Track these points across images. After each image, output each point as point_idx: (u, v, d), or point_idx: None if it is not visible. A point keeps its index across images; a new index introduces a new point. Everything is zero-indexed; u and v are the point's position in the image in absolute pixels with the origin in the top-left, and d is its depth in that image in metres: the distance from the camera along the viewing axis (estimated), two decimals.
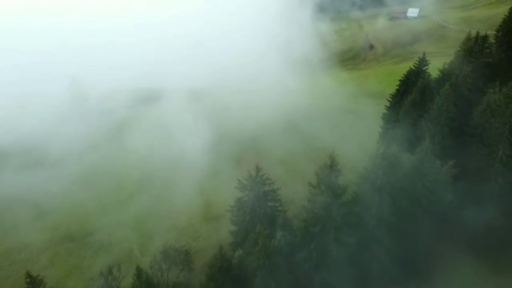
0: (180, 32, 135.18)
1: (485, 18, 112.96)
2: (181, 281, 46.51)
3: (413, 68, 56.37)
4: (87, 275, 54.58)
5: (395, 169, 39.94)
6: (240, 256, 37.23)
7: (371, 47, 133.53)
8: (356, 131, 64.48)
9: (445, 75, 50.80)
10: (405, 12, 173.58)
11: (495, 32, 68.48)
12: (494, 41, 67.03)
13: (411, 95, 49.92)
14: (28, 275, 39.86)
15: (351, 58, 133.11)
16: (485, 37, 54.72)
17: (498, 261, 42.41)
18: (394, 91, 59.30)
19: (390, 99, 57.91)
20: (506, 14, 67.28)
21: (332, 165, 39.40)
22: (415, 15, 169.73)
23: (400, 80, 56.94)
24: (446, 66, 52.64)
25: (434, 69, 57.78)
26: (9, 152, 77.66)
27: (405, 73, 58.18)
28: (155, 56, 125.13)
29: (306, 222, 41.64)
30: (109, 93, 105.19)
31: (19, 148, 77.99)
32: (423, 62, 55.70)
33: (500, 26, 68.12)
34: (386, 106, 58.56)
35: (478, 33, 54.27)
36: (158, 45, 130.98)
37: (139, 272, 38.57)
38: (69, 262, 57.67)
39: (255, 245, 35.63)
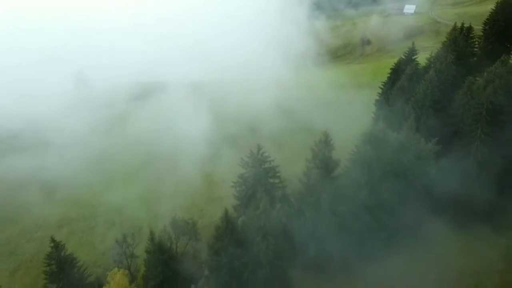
0: (182, 31, 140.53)
1: (479, 14, 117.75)
2: (188, 251, 51.19)
3: (403, 57, 61.15)
4: (100, 249, 59.52)
5: (383, 145, 44.76)
6: (243, 221, 41.93)
7: (368, 42, 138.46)
8: (350, 118, 69.18)
9: (432, 63, 55.55)
10: (402, 9, 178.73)
11: (482, 26, 73.76)
12: (482, 33, 72.41)
13: (400, 81, 54.69)
14: (52, 240, 44.67)
15: (348, 53, 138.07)
16: (470, 28, 59.62)
17: (473, 227, 47.41)
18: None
19: (382, 87, 62.69)
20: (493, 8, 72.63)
21: (326, 141, 44.20)
22: (412, 11, 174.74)
23: (391, 69, 61.71)
24: (433, 55, 57.35)
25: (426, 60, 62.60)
26: (20, 136, 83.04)
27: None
28: (158, 54, 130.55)
29: (302, 194, 46.49)
30: (114, 87, 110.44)
31: (30, 132, 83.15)
32: (412, 52, 60.55)
33: (487, 19, 73.31)
34: (378, 93, 63.34)
35: (463, 24, 59.14)
36: (161, 43, 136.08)
37: (152, 236, 43.29)
38: (83, 239, 62.49)
39: (257, 209, 40.30)
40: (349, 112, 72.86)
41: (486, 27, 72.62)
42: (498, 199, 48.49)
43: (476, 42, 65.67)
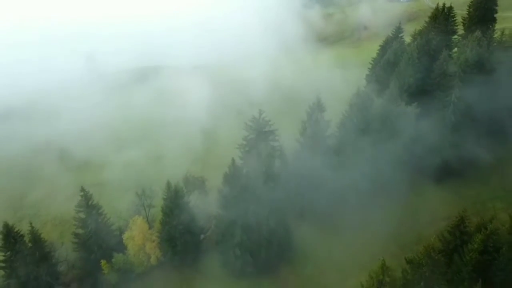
0: (185, 21, 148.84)
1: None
2: (198, 204, 59.13)
3: (391, 35, 68.79)
4: (118, 208, 67.51)
5: (367, 107, 52.63)
6: (247, 171, 49.92)
7: (365, 28, 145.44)
8: (340, 92, 76.30)
9: (415, 39, 63.21)
10: None
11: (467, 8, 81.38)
12: (467, 15, 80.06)
13: (386, 55, 62.42)
14: (82, 189, 52.73)
15: (344, 38, 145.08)
16: (450, 8, 67.11)
17: (447, 182, 55.60)
18: None
19: (372, 62, 70.40)
20: None
21: (318, 104, 52.04)
22: None
23: (380, 46, 69.40)
24: (417, 32, 64.99)
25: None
26: (34, 107, 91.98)
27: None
28: (162, 39, 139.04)
29: (298, 151, 54.50)
30: (122, 70, 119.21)
31: (43, 104, 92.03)
32: (398, 30, 68.21)
33: (471, 2, 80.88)
34: (368, 68, 71.08)
35: (444, 4, 66.71)
36: (164, 29, 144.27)
37: (168, 185, 51.29)
38: (101, 202, 70.68)
39: (260, 156, 48.28)
40: (342, 87, 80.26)
41: (470, 10, 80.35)
42: (469, 158, 56.44)
43: (461, 22, 73.47)
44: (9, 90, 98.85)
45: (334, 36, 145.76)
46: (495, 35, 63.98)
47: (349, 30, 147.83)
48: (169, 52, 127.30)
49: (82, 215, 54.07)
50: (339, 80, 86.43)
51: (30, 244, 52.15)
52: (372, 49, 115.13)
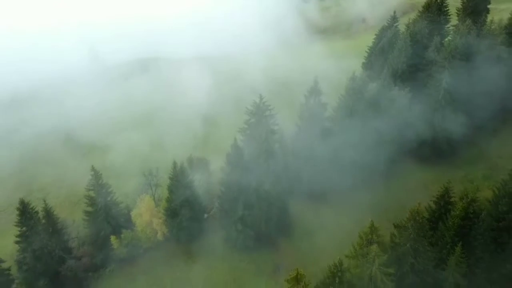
0: (185, 14, 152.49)
1: None
2: (202, 184, 62.65)
3: (386, 24, 71.98)
4: (124, 190, 70.95)
5: (362, 91, 56.01)
6: (249, 153, 53.35)
7: (363, 20, 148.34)
8: (337, 80, 79.29)
9: (408, 27, 66.41)
10: None
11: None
12: (461, 6, 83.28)
13: (381, 43, 65.66)
14: (92, 168, 56.15)
15: (343, 31, 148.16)
16: None
17: (438, 164, 59.14)
18: None
19: (368, 51, 73.65)
20: None
21: (315, 87, 55.38)
22: None
23: (375, 35, 72.62)
24: (410, 21, 68.17)
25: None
26: (40, 95, 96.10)
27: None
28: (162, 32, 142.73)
29: (297, 132, 57.95)
30: (124, 62, 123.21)
31: (48, 92, 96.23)
32: (393, 19, 71.34)
33: None
34: (364, 56, 74.34)
35: None
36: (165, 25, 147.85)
37: (174, 165, 54.74)
38: (109, 180, 74.27)
39: (260, 138, 51.71)
40: (339, 76, 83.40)
41: (464, 0, 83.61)
42: (460, 140, 59.96)
43: (454, 13, 76.85)
44: (15, 78, 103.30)
45: (333, 29, 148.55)
46: (486, 25, 67.30)
47: (347, 23, 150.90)
48: (170, 44, 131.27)
49: (92, 194, 57.55)
50: (335, 70, 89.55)
51: (43, 221, 55.70)
52: (370, 41, 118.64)
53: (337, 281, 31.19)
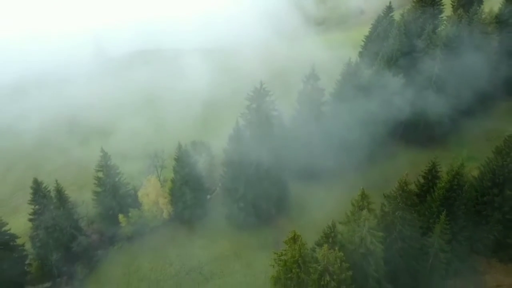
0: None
1: None
2: (206, 167, 66.03)
3: (382, 14, 75.11)
4: (130, 173, 74.18)
5: (357, 76, 59.28)
6: (250, 135, 56.72)
7: (362, 12, 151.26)
8: (335, 69, 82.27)
9: (403, 17, 69.53)
10: None
11: None
12: None
13: (376, 32, 68.87)
14: (102, 150, 59.43)
15: (342, 22, 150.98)
16: None
17: (429, 146, 62.59)
18: None
19: (364, 40, 76.84)
20: None
21: (313, 73, 58.64)
22: None
23: (371, 24, 75.78)
24: (405, 11, 71.31)
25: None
26: (46, 79, 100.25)
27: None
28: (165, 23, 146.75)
29: (295, 117, 61.30)
30: (124, 50, 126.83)
31: (54, 76, 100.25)
32: (389, 9, 74.48)
33: None
34: (361, 45, 77.56)
35: None
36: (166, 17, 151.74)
37: (179, 146, 58.10)
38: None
39: (260, 122, 55.08)
40: (336, 65, 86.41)
41: None
42: (449, 123, 63.34)
43: (450, 4, 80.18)
44: (21, 67, 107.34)
45: (331, 21, 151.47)
46: (477, 14, 70.36)
47: (346, 15, 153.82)
48: (171, 36, 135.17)
49: (101, 175, 60.94)
50: (333, 59, 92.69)
51: (55, 200, 59.10)
52: (367, 32, 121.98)
53: (330, 241, 34.60)
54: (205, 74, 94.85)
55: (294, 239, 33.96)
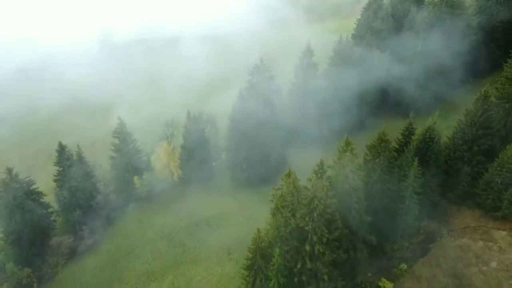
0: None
1: None
2: (210, 137, 73.82)
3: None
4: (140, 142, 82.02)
5: (349, 53, 67.03)
6: (252, 105, 64.51)
7: (358, 1, 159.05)
8: (328, 50, 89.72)
9: (392, 0, 77.24)
10: None
11: None
12: None
13: (366, 14, 76.62)
14: (118, 118, 67.20)
15: (338, 12, 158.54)
16: None
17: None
18: None
19: (356, 22, 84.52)
20: None
21: (308, 49, 66.36)
22: None
23: (363, 8, 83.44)
24: None
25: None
26: (57, 64, 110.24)
27: None
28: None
29: (293, 90, 69.11)
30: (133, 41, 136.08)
31: (64, 61, 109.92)
32: None
33: None
34: (353, 28, 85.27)
35: None
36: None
37: (188, 114, 65.91)
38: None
39: (261, 93, 62.90)
40: (329, 45, 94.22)
41: None
42: (433, 97, 71.04)
43: None
44: (31, 51, 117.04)
45: (328, 11, 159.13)
46: None
47: (341, 5, 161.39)
48: (171, 24, 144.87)
49: (117, 141, 68.78)
50: (326, 42, 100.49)
51: (77, 162, 66.96)
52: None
53: (319, 176, 42.36)
54: (202, 58, 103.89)
55: (289, 174, 41.80)
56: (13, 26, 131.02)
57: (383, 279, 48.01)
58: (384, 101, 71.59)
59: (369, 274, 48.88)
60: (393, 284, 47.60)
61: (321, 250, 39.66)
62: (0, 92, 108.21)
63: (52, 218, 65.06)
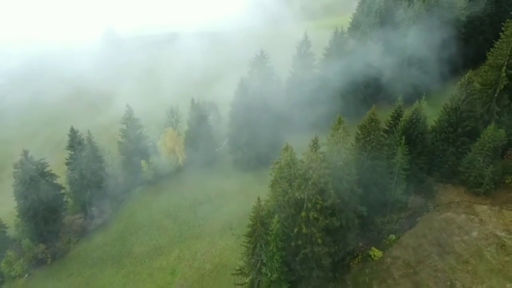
0: None
1: None
2: (213, 125, 78.63)
3: None
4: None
5: (344, 44, 72.02)
6: (252, 92, 69.38)
7: None
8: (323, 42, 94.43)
9: None
10: None
11: None
12: None
13: (361, 8, 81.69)
14: (127, 105, 72.03)
15: (337, 10, 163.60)
16: None
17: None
18: None
19: (352, 17, 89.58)
20: None
21: (305, 40, 71.29)
22: None
23: (358, 3, 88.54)
24: None
25: None
26: (61, 60, 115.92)
27: None
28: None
29: (290, 80, 74.05)
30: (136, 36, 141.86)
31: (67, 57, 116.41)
32: None
33: None
34: (350, 18, 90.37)
35: None
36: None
37: (193, 103, 70.82)
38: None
39: (261, 82, 67.78)
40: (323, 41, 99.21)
41: None
42: (422, 86, 75.94)
43: None
44: (38, 49, 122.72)
45: (321, 9, 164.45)
46: None
47: (336, 3, 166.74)
48: (168, 21, 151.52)
49: (125, 127, 73.60)
50: (322, 38, 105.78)
51: (87, 146, 71.71)
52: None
53: (313, 150, 47.16)
54: (200, 53, 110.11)
55: (287, 149, 46.69)
56: (21, 23, 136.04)
57: (373, 248, 52.85)
58: (377, 90, 76.44)
59: (361, 244, 53.77)
60: (382, 252, 52.40)
61: (315, 216, 44.44)
62: (7, 84, 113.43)
63: (64, 199, 69.75)
